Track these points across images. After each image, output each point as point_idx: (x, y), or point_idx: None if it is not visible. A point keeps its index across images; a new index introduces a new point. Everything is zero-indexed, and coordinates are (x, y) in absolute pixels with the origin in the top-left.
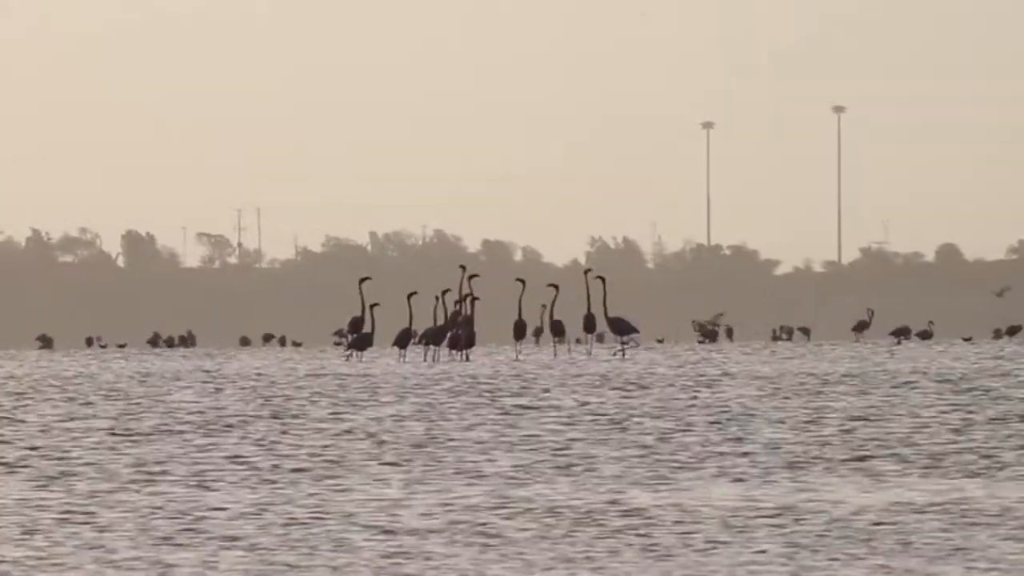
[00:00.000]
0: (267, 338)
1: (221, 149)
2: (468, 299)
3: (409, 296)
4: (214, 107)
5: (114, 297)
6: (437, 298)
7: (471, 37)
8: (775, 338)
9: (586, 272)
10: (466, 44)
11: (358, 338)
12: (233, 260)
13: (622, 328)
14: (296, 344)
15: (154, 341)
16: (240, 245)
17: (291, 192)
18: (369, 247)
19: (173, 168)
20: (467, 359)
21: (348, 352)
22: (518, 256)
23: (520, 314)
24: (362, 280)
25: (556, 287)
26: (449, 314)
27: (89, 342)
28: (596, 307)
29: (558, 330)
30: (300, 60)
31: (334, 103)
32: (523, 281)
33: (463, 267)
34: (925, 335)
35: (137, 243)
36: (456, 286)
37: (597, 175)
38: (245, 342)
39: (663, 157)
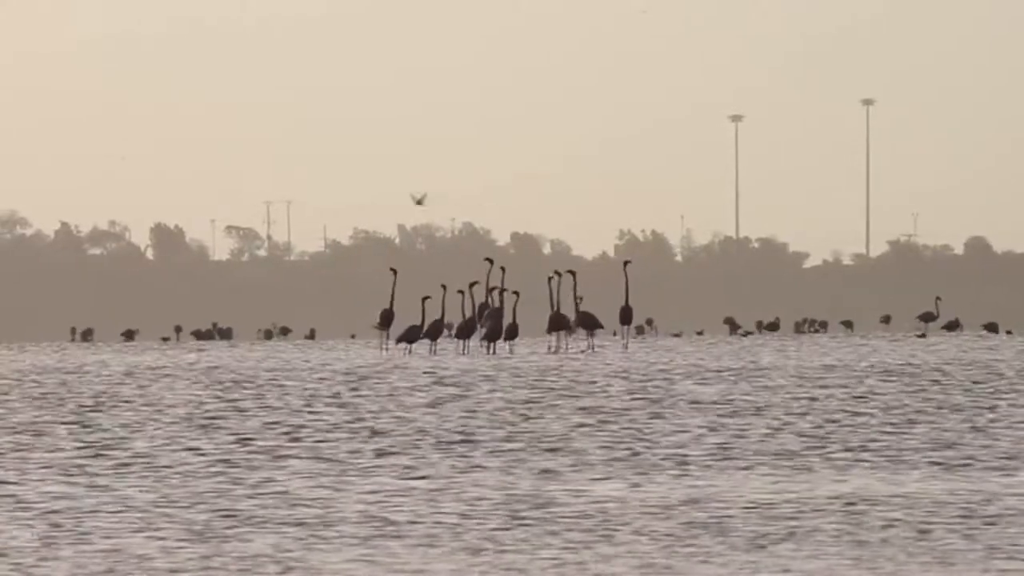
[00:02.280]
0: (284, 331)
1: (250, 143)
2: (496, 292)
3: (444, 289)
4: (242, 101)
5: (143, 290)
6: (462, 292)
7: (502, 33)
8: (798, 331)
9: (625, 264)
10: (497, 40)
11: (409, 330)
12: (262, 253)
13: (590, 324)
14: (308, 337)
15: (196, 333)
16: (269, 238)
17: (320, 185)
18: (398, 240)
19: (202, 161)
20: (494, 352)
21: (400, 345)
22: (547, 249)
23: (558, 307)
24: (393, 273)
25: (555, 277)
26: (477, 307)
27: (130, 335)
28: (629, 300)
29: (559, 324)
30: (329, 57)
31: (363, 97)
32: (560, 273)
33: (490, 260)
34: (992, 328)
35: (166, 236)
36: (484, 279)
37: (626, 169)
38: (268, 335)
39: (692, 150)
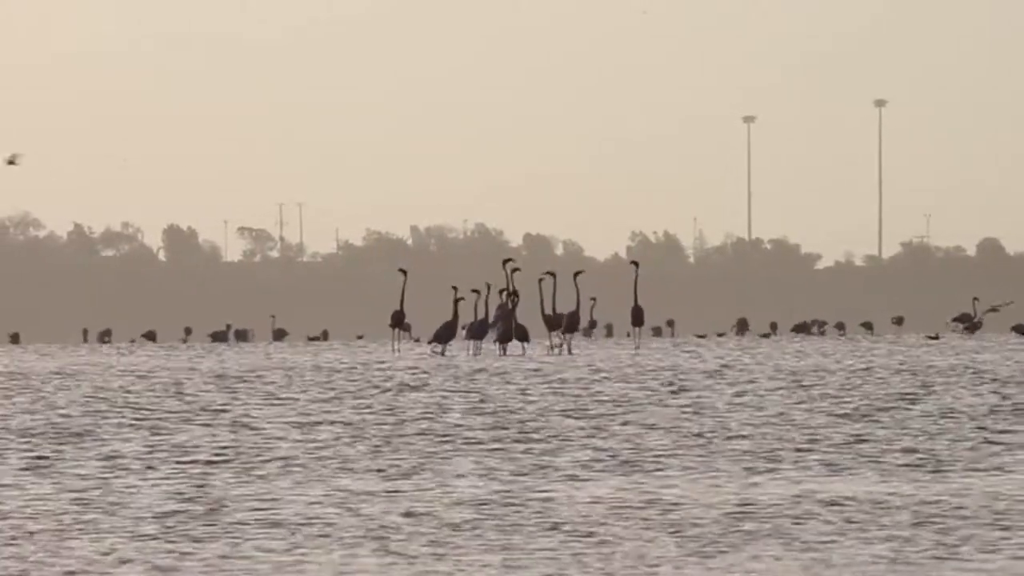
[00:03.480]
0: (280, 334)
1: (262, 144)
2: (510, 294)
3: (455, 290)
4: (255, 102)
5: (155, 291)
6: (477, 292)
7: (517, 34)
8: (807, 333)
9: (634, 265)
10: (512, 41)
11: (444, 331)
12: (275, 254)
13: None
14: (314, 338)
15: (213, 335)
16: (282, 239)
17: (332, 186)
18: (410, 241)
19: (214, 163)
20: (505, 352)
21: (432, 344)
22: (559, 250)
23: (578, 307)
24: (404, 273)
25: (551, 275)
26: (497, 308)
27: (151, 337)
28: (638, 300)
29: (552, 324)
30: (342, 58)
31: (375, 98)
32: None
33: (511, 259)
34: (1020, 329)
35: (178, 237)
36: (501, 282)
37: (638, 169)
38: (279, 335)
39: (704, 151)
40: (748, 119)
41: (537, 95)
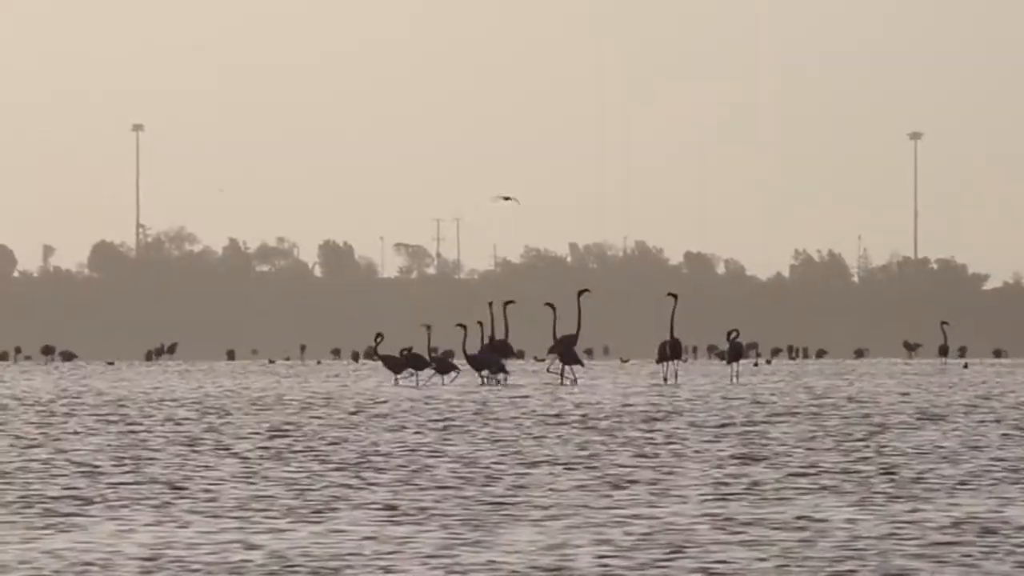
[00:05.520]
0: (367, 354)
1: (420, 159)
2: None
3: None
4: (412, 119)
5: (311, 307)
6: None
7: (678, 55)
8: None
9: (672, 297)
10: (673, 62)
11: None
12: (431, 271)
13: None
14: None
15: (355, 355)
16: (439, 256)
17: (490, 202)
18: (569, 258)
19: (371, 178)
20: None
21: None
22: (720, 269)
23: (579, 329)
24: (506, 304)
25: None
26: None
27: (356, 357)
28: (674, 332)
29: (502, 351)
30: (502, 75)
31: (535, 114)
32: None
33: (511, 301)
34: None
35: (334, 253)
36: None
37: (802, 187)
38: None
39: (870, 168)
40: (915, 135)
41: (699, 115)
